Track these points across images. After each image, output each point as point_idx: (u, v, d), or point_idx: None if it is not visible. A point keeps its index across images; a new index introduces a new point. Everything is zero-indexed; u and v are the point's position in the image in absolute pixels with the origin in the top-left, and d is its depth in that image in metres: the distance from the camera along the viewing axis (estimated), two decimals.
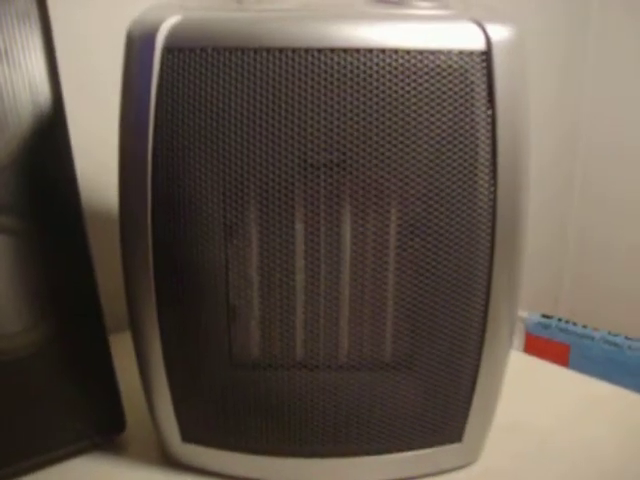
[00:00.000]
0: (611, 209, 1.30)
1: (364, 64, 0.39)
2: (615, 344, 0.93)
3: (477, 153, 0.41)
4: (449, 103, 0.40)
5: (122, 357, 0.51)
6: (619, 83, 1.26)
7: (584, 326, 0.96)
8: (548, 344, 0.97)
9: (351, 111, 0.40)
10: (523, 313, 1.00)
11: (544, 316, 1.00)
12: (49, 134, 0.47)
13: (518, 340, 0.98)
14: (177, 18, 0.41)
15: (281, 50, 0.39)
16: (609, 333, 0.94)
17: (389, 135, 0.40)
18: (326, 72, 0.39)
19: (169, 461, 0.50)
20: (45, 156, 0.47)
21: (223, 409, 0.47)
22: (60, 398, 0.49)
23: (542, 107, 1.15)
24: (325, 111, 0.40)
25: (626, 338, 0.93)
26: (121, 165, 0.43)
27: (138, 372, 0.48)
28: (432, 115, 0.40)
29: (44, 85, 0.46)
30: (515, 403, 0.53)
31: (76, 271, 0.49)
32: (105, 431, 0.51)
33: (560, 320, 0.98)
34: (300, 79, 0.39)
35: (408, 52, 0.39)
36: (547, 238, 1.30)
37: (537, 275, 1.19)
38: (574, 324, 0.97)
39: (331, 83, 0.39)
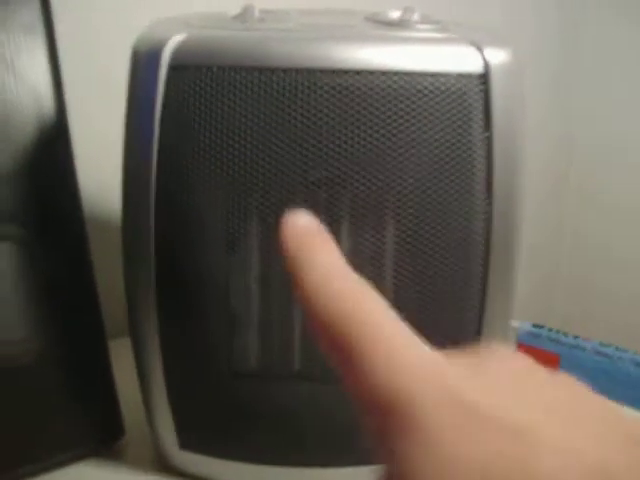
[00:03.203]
0: (607, 217, 1.30)
1: (365, 85, 0.40)
2: (606, 355, 0.93)
3: (473, 173, 0.42)
4: (447, 124, 0.41)
5: (122, 362, 0.51)
6: (612, 85, 1.27)
7: (575, 336, 0.97)
8: (539, 354, 0.97)
9: (352, 131, 0.40)
10: (514, 322, 1.01)
11: (535, 325, 1.01)
12: (52, 145, 0.47)
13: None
14: (183, 36, 0.41)
15: (284, 70, 0.40)
16: (600, 344, 0.94)
17: (388, 155, 0.41)
18: (328, 92, 0.40)
19: (166, 468, 0.50)
20: (48, 166, 0.47)
21: (221, 418, 0.47)
22: (58, 405, 0.49)
23: (536, 110, 1.15)
24: (327, 131, 0.41)
25: (617, 349, 0.93)
26: (125, 178, 0.44)
27: (137, 379, 0.48)
28: (430, 136, 0.41)
29: (48, 96, 0.47)
30: None
31: (77, 278, 0.49)
32: (103, 438, 0.52)
33: (551, 330, 0.99)
34: (302, 99, 0.40)
35: (408, 74, 0.40)
36: (541, 244, 1.31)
37: (530, 282, 1.20)
38: (565, 334, 0.97)
39: (333, 103, 0.40)
